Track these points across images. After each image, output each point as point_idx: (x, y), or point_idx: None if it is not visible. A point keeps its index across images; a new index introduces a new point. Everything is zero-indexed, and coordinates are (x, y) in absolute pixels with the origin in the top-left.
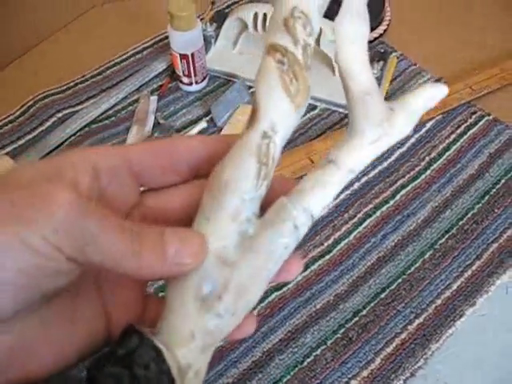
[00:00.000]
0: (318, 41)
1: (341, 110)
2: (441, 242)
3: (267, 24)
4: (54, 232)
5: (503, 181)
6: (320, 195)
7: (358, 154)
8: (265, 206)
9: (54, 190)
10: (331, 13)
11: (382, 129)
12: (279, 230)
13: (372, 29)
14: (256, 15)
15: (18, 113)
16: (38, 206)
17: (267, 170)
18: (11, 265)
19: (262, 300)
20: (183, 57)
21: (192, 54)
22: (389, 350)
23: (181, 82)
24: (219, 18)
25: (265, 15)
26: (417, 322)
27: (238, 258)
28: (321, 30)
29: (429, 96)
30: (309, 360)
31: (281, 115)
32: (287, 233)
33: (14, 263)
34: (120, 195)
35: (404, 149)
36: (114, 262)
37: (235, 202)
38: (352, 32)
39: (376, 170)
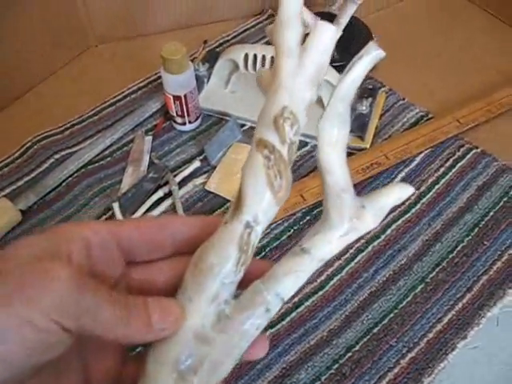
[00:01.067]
0: None
1: None
2: (431, 275)
3: (257, 64)
4: (54, 308)
5: (492, 213)
6: (293, 282)
7: (329, 247)
8: (241, 284)
9: (52, 267)
10: None
11: (352, 224)
12: (253, 313)
13: None
14: (246, 56)
15: (16, 154)
16: (39, 285)
17: (246, 256)
18: (14, 339)
19: None
20: (176, 98)
21: (185, 96)
22: None
23: (174, 121)
24: (211, 58)
25: (255, 56)
26: (409, 356)
27: (215, 336)
28: None
29: (397, 196)
30: None
31: (264, 208)
32: (260, 315)
33: (17, 339)
34: (108, 267)
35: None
36: (106, 331)
37: (216, 285)
38: (334, 136)
39: None
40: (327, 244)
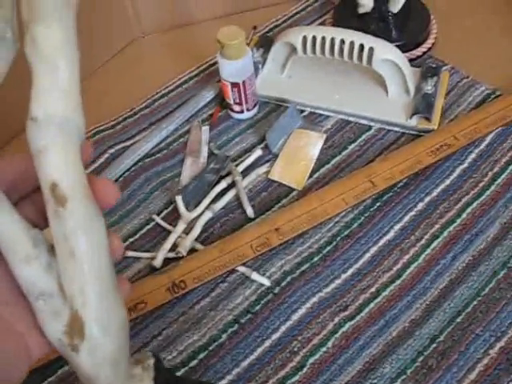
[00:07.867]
0: (369, 60)
1: (396, 128)
2: None
3: (316, 47)
4: None
5: None
6: None
7: None
8: None
9: None
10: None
11: None
12: None
13: (419, 44)
14: (305, 38)
15: None
16: None
17: None
18: None
19: (335, 331)
20: (234, 85)
21: (243, 82)
22: (472, 376)
23: (231, 110)
24: (265, 43)
25: (314, 38)
26: (498, 345)
27: None
28: (372, 49)
29: None
30: None
31: None
32: None
33: None
34: None
35: (465, 165)
36: None
37: None
38: None
39: (438, 189)
40: None
